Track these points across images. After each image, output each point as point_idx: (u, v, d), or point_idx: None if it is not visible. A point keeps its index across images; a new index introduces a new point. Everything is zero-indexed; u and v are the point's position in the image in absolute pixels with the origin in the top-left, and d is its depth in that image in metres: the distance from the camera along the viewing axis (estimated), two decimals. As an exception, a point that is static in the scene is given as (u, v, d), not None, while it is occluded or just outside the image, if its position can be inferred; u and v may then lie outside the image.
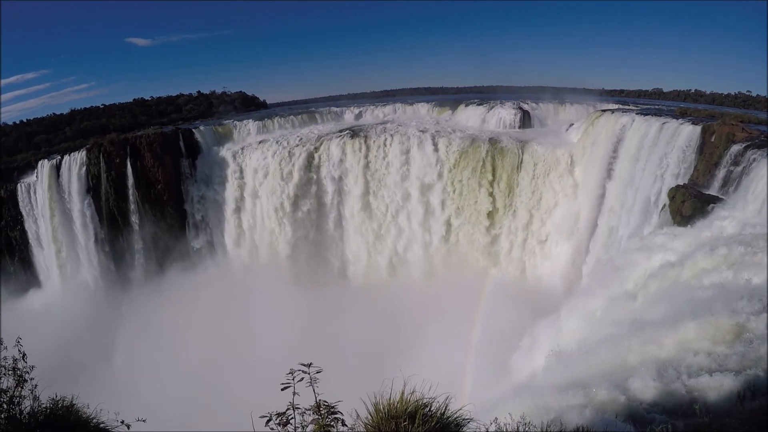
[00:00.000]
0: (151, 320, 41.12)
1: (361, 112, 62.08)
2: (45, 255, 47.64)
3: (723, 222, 20.54)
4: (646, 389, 10.80)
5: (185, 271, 48.18)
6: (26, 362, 5.40)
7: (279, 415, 4.51)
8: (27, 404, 5.22)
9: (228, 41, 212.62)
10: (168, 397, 30.63)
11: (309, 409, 4.57)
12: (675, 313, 13.91)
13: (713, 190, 25.59)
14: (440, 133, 47.57)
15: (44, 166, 46.52)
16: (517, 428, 5.75)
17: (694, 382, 10.42)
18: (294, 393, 4.48)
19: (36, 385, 5.34)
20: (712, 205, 23.46)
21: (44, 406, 5.31)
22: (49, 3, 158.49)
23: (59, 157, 47.31)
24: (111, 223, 47.89)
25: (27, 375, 5.33)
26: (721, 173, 25.50)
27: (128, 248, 48.54)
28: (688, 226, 22.94)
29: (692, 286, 15.83)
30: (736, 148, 25.04)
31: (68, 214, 46.96)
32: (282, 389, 4.48)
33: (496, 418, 5.83)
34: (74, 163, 46.81)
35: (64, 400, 5.49)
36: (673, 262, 18.62)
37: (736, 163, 24.60)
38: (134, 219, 48.17)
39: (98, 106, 67.45)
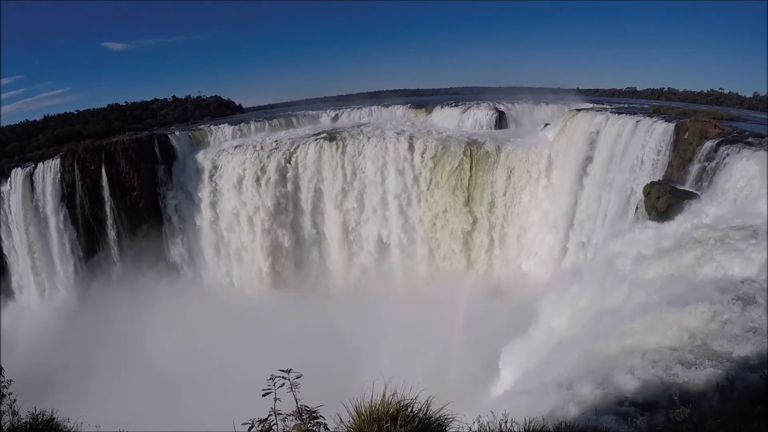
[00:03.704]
0: (129, 330, 40.54)
1: (337, 115, 61.93)
2: (20, 265, 46.77)
3: (698, 216, 20.85)
4: (625, 383, 10.94)
5: (163, 280, 47.46)
6: (4, 376, 5.33)
7: (261, 421, 4.52)
8: (6, 419, 5.15)
9: (203, 45, 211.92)
10: (148, 409, 30.26)
11: (291, 415, 4.59)
12: (653, 307, 14.10)
13: (688, 186, 25.97)
14: (417, 135, 47.60)
15: (18, 175, 45.69)
16: (500, 426, 5.77)
17: (673, 374, 10.57)
18: (275, 399, 4.49)
19: (15, 400, 5.27)
20: (686, 200, 23.82)
21: (24, 420, 5.24)
22: (23, 7, 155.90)
23: (33, 165, 46.50)
24: (87, 231, 47.21)
25: (5, 390, 5.27)
26: (695, 169, 25.90)
27: (105, 257, 47.76)
28: (664, 221, 23.25)
29: (669, 280, 16.05)
30: (709, 144, 25.46)
31: (43, 224, 46.17)
32: (263, 395, 4.49)
33: (479, 417, 5.85)
34: (48, 171, 46.06)
35: (43, 414, 5.43)
36: (649, 257, 18.86)
37: (709, 158, 25.00)
38: (110, 227, 47.45)
39: (72, 113, 66.44)
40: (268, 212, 47.16)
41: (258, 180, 47.30)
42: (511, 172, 42.08)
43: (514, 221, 42.44)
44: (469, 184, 43.63)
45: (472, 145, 44.09)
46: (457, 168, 43.71)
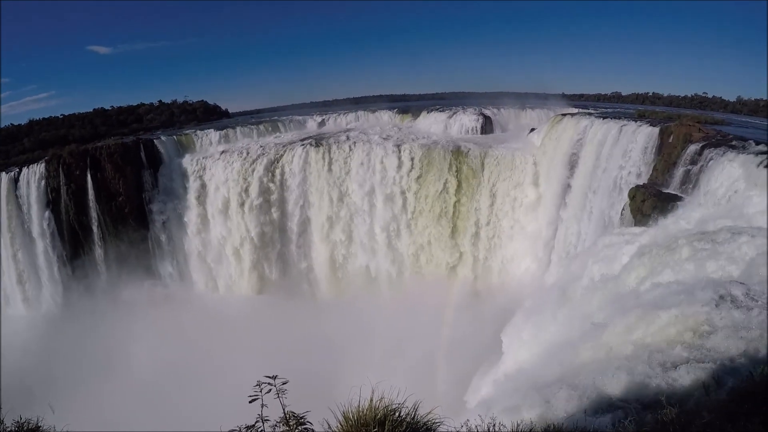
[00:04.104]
0: (115, 338, 40.14)
1: (324, 120, 62.10)
2: (4, 272, 46.12)
3: (683, 219, 21.04)
4: (613, 385, 10.98)
5: (148, 287, 47.13)
6: (-12, 385, 5.29)
7: (248, 428, 4.51)
8: (-9, 428, 5.11)
9: (190, 50, 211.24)
10: (136, 419, 30.01)
11: (279, 422, 4.58)
12: (638, 309, 14.18)
13: (672, 189, 26.16)
14: (403, 140, 47.64)
15: (2, 179, 45.21)
16: (488, 429, 5.77)
17: (660, 376, 10.63)
18: (262, 405, 4.48)
19: (-1, 408, 5.23)
20: (671, 203, 24.04)
21: (9, 429, 5.20)
22: (7, 10, 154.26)
23: (17, 170, 46.08)
24: (72, 237, 46.78)
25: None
26: (679, 172, 26.09)
27: (90, 264, 47.30)
28: (649, 224, 23.45)
29: (654, 282, 16.16)
30: (693, 147, 25.68)
31: (27, 230, 45.69)
32: (250, 402, 4.47)
33: (467, 420, 5.84)
34: (33, 176, 45.61)
35: (29, 423, 5.39)
36: (635, 258, 18.98)
37: (693, 162, 25.21)
38: (95, 233, 47.08)
39: (57, 117, 65.96)
40: (254, 217, 47.03)
41: (243, 185, 47.11)
42: (497, 177, 42.18)
43: (499, 226, 42.53)
44: (455, 188, 43.65)
45: (458, 151, 44.22)
46: (443, 173, 43.70)
